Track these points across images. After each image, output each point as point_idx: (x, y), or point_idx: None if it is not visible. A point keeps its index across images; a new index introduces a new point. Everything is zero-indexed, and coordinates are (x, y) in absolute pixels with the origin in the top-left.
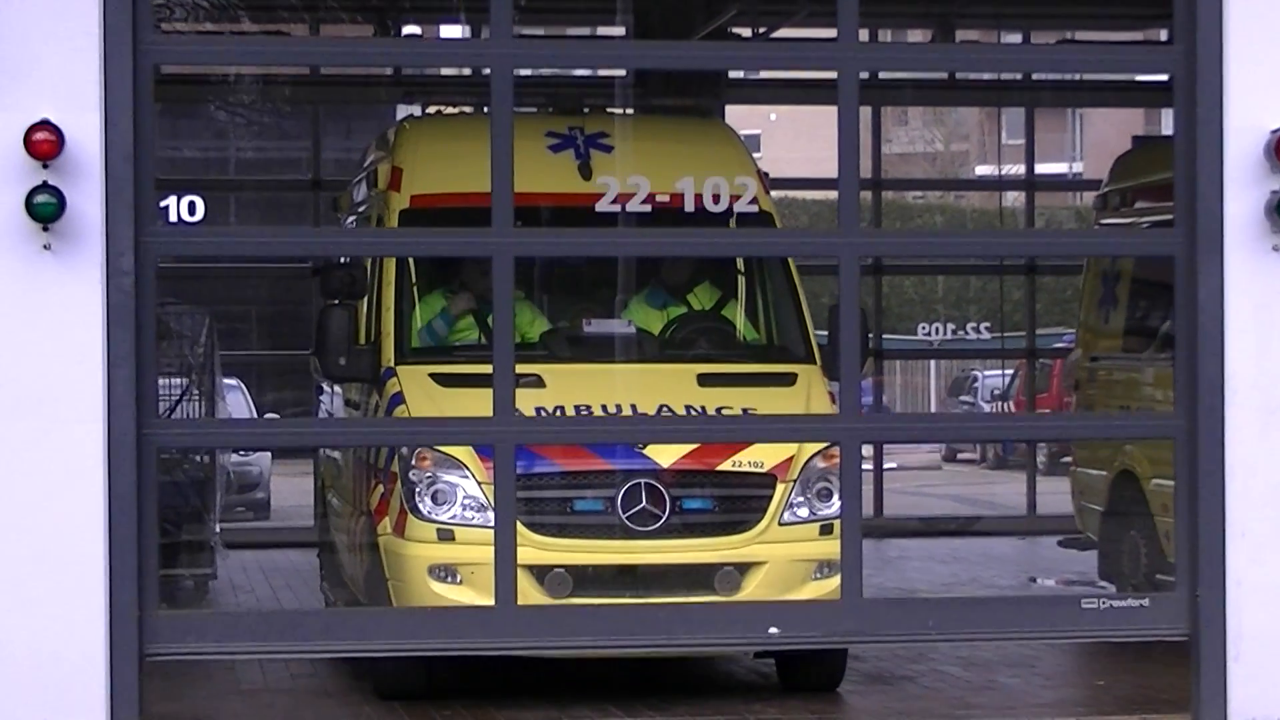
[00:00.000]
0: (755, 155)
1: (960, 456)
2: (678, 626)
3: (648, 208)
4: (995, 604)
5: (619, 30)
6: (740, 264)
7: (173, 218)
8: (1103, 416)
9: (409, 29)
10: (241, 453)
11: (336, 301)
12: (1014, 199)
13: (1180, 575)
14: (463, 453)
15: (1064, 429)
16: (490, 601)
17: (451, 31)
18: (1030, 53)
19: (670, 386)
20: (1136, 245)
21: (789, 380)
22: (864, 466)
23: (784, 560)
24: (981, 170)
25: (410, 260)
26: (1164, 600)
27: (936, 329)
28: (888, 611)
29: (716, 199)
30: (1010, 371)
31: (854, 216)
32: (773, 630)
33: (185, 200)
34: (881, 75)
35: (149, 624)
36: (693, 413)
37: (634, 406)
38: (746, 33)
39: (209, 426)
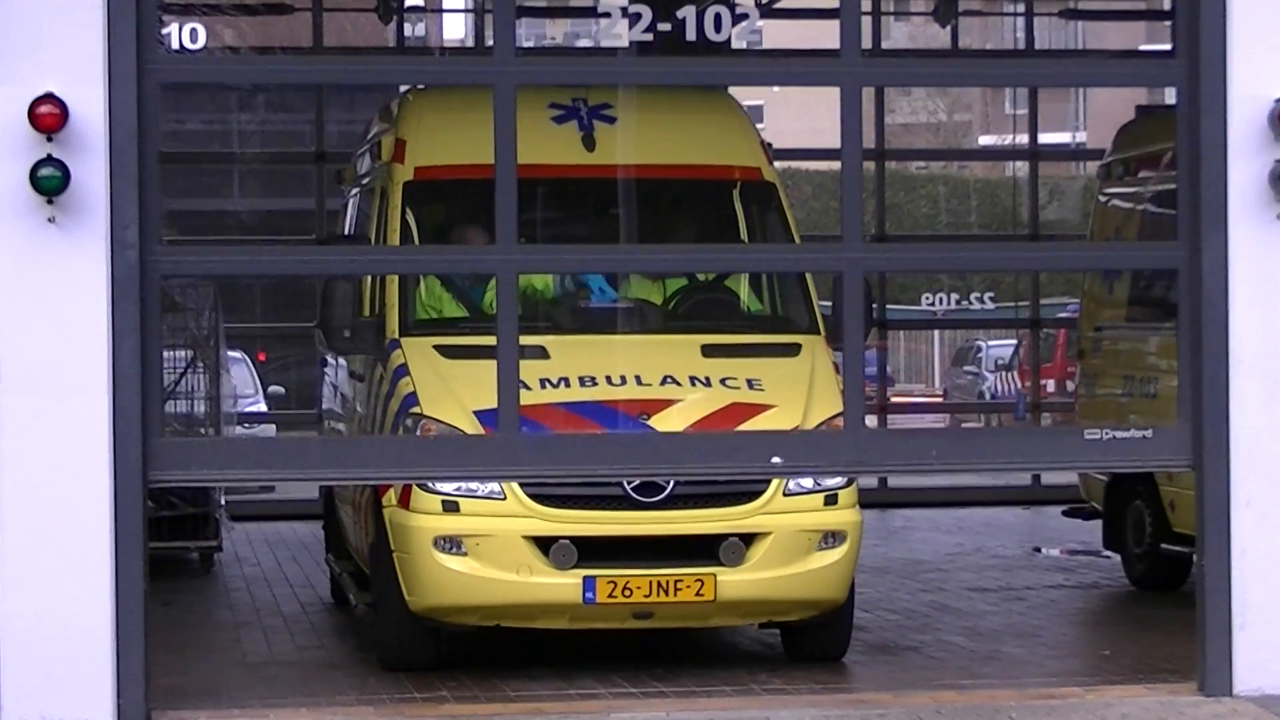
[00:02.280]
0: (758, 126)
1: (964, 426)
2: (682, 455)
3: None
4: (999, 435)
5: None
6: (744, 234)
7: (174, 45)
8: (1108, 246)
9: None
10: (247, 425)
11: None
12: (1017, 169)
13: (1182, 406)
14: (467, 424)
15: (1068, 259)
16: (498, 574)
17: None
18: None
19: (674, 357)
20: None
21: (793, 351)
22: None
23: (789, 531)
24: (985, 140)
25: (415, 233)
26: (1167, 432)
27: (940, 299)
28: (890, 442)
29: (718, 27)
30: (1014, 342)
31: (855, 46)
32: (775, 460)
33: (187, 28)
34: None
35: (153, 449)
36: (697, 383)
37: (638, 378)
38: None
39: (212, 253)
